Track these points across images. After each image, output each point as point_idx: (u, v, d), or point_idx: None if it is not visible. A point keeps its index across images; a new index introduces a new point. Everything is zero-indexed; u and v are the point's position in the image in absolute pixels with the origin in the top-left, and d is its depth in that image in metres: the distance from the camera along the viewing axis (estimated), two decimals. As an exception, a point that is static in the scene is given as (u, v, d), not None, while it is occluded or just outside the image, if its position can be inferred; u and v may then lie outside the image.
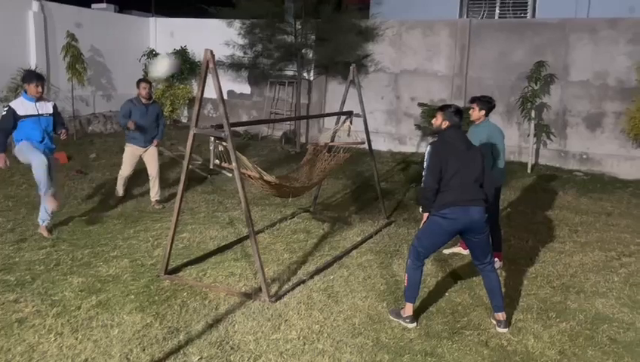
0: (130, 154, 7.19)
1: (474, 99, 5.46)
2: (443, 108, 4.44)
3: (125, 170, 7.25)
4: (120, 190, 7.38)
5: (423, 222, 4.38)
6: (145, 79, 7.39)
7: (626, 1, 10.66)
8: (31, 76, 5.86)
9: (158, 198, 7.29)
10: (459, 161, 4.14)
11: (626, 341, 4.15)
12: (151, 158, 7.21)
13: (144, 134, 7.08)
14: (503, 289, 4.60)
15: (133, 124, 6.86)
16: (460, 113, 4.37)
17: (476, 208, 4.12)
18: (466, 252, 5.61)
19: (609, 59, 10.16)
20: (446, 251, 5.78)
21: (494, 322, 4.29)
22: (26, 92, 5.82)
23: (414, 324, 4.25)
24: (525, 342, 4.06)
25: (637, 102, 9.58)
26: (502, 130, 5.43)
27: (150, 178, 7.29)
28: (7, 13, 10.88)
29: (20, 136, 5.75)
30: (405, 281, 4.32)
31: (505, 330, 4.22)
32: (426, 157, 4.44)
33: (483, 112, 5.36)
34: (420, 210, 4.45)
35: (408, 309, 4.27)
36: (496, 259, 5.38)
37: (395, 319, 4.31)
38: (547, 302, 4.75)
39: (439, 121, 4.38)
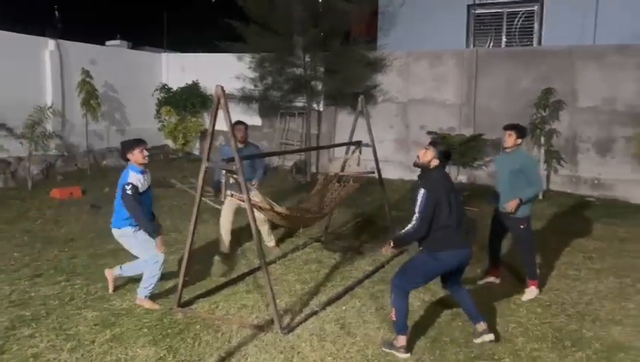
0: (228, 202, 6.29)
1: (511, 127, 5.40)
2: (435, 144, 4.31)
3: (225, 220, 6.42)
4: (226, 244, 6.46)
5: (386, 248, 4.39)
6: (239, 121, 6.43)
7: (632, 28, 10.74)
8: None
9: (273, 243, 6.83)
10: (449, 202, 4.14)
11: (644, 370, 4.09)
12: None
13: None
14: (518, 319, 4.56)
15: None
16: (448, 155, 4.32)
17: (467, 250, 4.26)
18: (498, 280, 5.72)
19: (617, 85, 10.19)
20: (481, 282, 5.78)
21: (478, 333, 4.34)
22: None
23: (408, 354, 4.19)
24: (541, 372, 4.02)
25: (647, 126, 9.58)
26: (535, 159, 5.36)
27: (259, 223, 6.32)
28: (24, 51, 11.21)
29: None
30: (393, 316, 4.19)
31: (490, 336, 4.30)
32: (419, 200, 4.15)
33: (520, 141, 5.37)
34: (392, 244, 4.32)
35: (401, 340, 4.21)
36: (532, 287, 5.44)
37: (388, 350, 4.23)
38: (562, 330, 4.70)
39: (429, 158, 4.23)
